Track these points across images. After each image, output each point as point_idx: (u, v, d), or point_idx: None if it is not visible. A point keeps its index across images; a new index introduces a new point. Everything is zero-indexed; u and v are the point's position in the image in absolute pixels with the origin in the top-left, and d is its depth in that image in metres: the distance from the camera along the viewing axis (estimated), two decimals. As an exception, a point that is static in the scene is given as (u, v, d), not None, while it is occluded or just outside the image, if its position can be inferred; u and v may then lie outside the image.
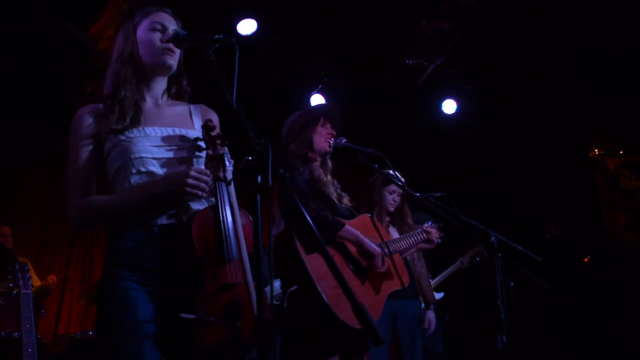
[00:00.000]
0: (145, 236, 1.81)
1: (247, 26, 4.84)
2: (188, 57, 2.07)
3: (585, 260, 6.50)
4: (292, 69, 5.69)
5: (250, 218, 1.95)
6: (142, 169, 1.83)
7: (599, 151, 6.83)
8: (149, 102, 1.98)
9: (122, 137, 1.85)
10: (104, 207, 1.85)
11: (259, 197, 1.42)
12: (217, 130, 1.91)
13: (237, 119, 1.52)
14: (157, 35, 1.93)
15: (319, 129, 2.99)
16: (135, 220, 1.82)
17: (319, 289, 2.49)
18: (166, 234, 1.82)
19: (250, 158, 1.47)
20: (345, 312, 2.50)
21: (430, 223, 3.43)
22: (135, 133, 1.87)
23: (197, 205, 1.88)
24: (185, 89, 2.08)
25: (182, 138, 1.91)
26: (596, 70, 5.61)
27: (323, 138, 2.98)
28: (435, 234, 3.34)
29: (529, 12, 4.85)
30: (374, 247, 2.79)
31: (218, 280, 1.77)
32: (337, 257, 2.72)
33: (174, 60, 1.96)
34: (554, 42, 5.23)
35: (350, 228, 2.75)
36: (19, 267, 3.73)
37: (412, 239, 3.27)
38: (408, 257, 3.74)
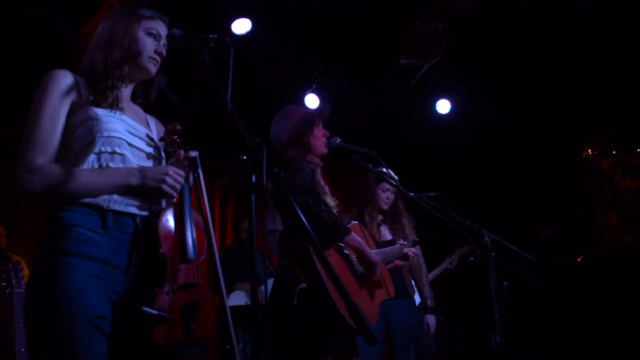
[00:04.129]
0: (102, 224, 1.72)
1: (241, 26, 4.83)
2: (183, 56, 2.06)
3: (579, 260, 6.52)
4: (286, 68, 5.69)
5: (201, 223, 1.91)
6: (117, 150, 1.77)
7: (592, 151, 6.86)
8: (124, 94, 1.96)
9: (100, 112, 1.78)
10: (70, 179, 1.69)
11: (253, 196, 1.42)
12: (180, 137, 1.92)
13: (231, 119, 1.52)
14: (151, 42, 1.93)
15: (316, 131, 2.98)
16: (92, 202, 1.72)
17: (329, 288, 2.50)
18: (130, 226, 1.77)
19: (244, 157, 1.47)
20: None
21: (401, 241, 3.45)
22: (112, 114, 1.81)
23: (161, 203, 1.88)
24: (150, 101, 2.07)
25: (149, 137, 1.92)
26: (590, 71, 5.63)
27: (320, 140, 2.98)
28: (412, 252, 3.36)
29: (522, 13, 4.86)
30: (375, 256, 2.82)
31: (177, 279, 1.78)
32: (339, 260, 2.75)
33: (156, 69, 1.97)
34: (547, 42, 5.25)
35: (355, 235, 2.78)
36: (12, 266, 3.69)
37: (391, 254, 3.29)
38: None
